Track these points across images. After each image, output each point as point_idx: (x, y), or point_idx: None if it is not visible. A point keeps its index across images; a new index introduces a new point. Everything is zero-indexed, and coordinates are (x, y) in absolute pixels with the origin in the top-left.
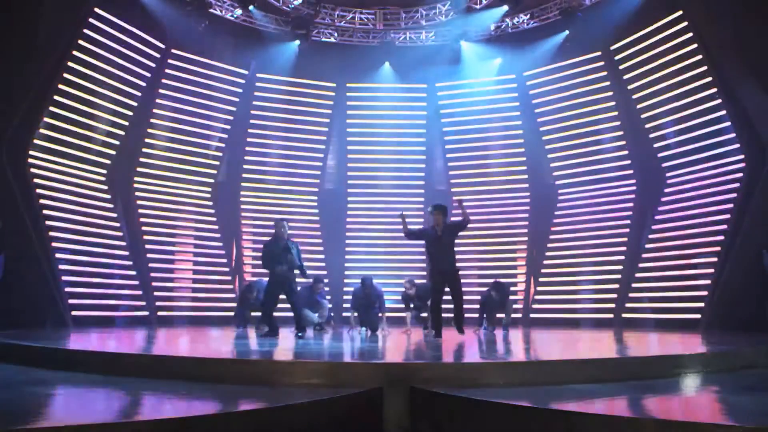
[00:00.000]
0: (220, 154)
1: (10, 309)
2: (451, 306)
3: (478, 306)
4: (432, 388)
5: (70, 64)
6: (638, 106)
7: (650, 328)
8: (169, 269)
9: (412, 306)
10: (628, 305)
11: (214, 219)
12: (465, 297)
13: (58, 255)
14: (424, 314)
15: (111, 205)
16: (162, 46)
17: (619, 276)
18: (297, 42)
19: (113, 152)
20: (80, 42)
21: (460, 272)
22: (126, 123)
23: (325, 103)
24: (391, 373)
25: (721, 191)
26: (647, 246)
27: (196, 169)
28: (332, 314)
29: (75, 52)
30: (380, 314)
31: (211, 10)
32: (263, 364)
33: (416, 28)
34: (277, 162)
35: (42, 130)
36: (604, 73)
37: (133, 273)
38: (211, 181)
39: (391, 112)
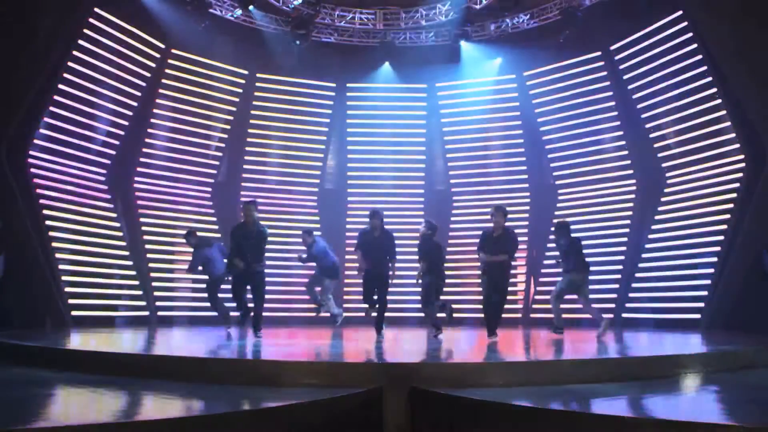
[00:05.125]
0: (220, 154)
1: (10, 309)
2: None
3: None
4: (432, 388)
5: (70, 64)
6: (638, 106)
7: (650, 328)
8: (169, 269)
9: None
10: (628, 305)
11: (214, 219)
12: (467, 297)
13: (58, 255)
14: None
15: (111, 205)
16: (162, 46)
17: (619, 276)
18: (297, 42)
19: (113, 152)
20: (80, 42)
21: (462, 272)
22: (126, 123)
23: (325, 103)
24: (391, 373)
25: (721, 191)
26: (647, 246)
27: (196, 169)
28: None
29: (75, 52)
30: (390, 264)
31: (211, 10)
32: (263, 364)
33: (416, 28)
34: (277, 162)
35: (42, 130)
36: (604, 73)
37: (133, 273)
38: (211, 181)
39: (391, 112)
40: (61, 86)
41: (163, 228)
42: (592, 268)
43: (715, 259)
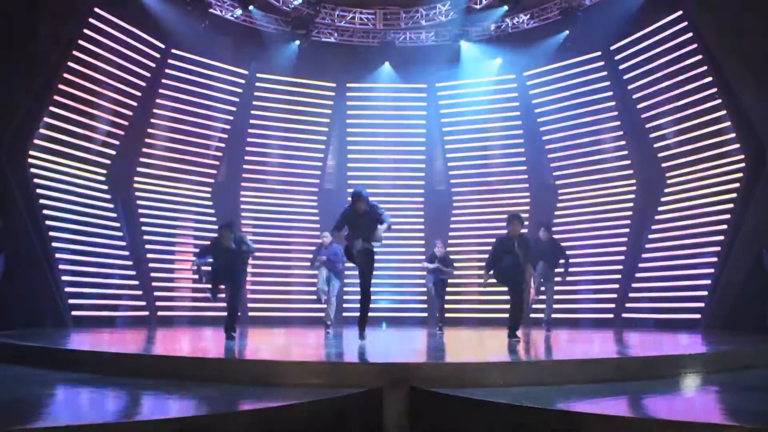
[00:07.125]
0: (220, 154)
1: (10, 309)
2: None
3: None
4: (432, 388)
5: (70, 64)
6: (638, 106)
7: (650, 328)
8: (169, 269)
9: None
10: (628, 305)
11: (214, 219)
12: (466, 297)
13: (58, 255)
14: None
15: (111, 205)
16: (162, 46)
17: (619, 276)
18: (297, 42)
19: (113, 152)
20: (80, 42)
21: (462, 272)
22: (126, 123)
23: (325, 103)
24: (391, 373)
25: (721, 191)
26: (647, 246)
27: (196, 169)
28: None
29: (75, 52)
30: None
31: (211, 10)
32: (263, 364)
33: (416, 28)
34: (277, 162)
35: (42, 130)
36: (604, 73)
37: (133, 273)
38: (211, 181)
39: (391, 112)
40: (61, 86)
41: (163, 228)
42: (592, 268)
43: (715, 259)
